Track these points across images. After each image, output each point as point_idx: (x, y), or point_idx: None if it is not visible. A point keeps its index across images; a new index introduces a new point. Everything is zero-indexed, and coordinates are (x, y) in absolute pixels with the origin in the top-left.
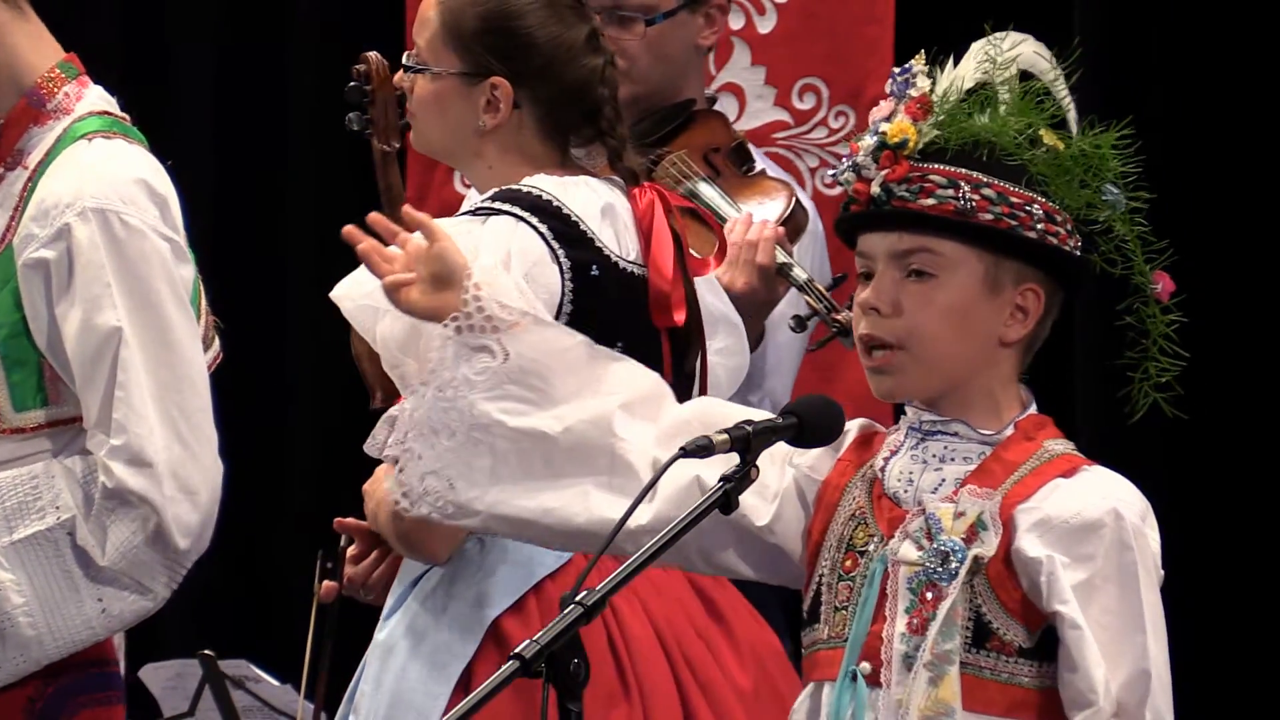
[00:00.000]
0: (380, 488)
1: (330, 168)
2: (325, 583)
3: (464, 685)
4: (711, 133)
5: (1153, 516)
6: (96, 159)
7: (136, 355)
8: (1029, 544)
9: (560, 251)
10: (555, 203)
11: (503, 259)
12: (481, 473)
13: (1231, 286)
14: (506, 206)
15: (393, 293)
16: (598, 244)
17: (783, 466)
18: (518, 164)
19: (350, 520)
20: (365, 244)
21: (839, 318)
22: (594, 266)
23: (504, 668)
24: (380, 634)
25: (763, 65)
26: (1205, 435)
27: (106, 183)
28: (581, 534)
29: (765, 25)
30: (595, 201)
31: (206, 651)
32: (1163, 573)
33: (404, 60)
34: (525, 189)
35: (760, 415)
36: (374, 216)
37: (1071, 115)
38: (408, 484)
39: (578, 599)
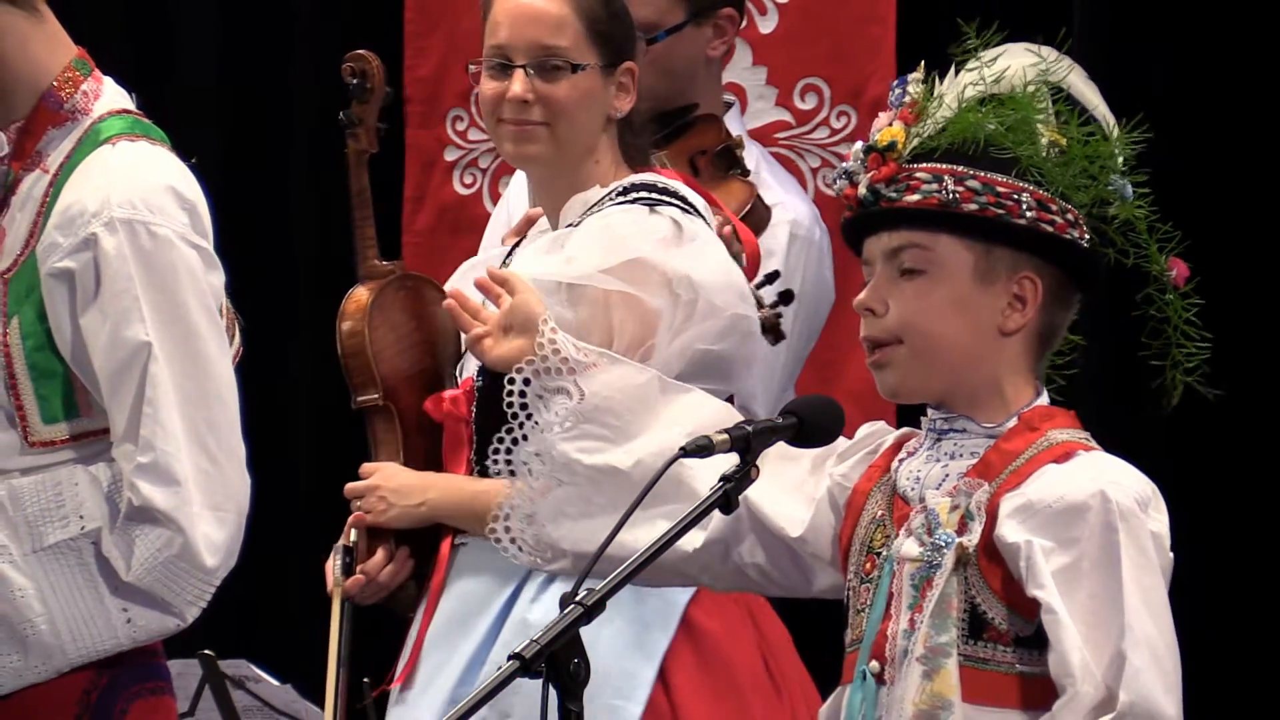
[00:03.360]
0: (411, 481)
1: (334, 168)
2: (350, 578)
3: (663, 670)
4: (702, 137)
5: (1159, 500)
6: (122, 164)
7: (164, 370)
8: (1009, 530)
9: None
10: (689, 199)
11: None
12: (565, 512)
13: (1240, 272)
14: (667, 199)
15: (475, 346)
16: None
17: (822, 477)
18: (614, 160)
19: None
20: (450, 301)
21: (760, 315)
22: None
23: (504, 668)
24: (532, 615)
25: (764, 65)
26: (1212, 425)
27: (134, 190)
28: (653, 566)
29: (767, 25)
30: (701, 202)
31: (206, 651)
32: (1171, 556)
33: (540, 67)
34: (660, 184)
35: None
36: (481, 282)
37: (1103, 114)
38: (513, 532)
39: (578, 599)
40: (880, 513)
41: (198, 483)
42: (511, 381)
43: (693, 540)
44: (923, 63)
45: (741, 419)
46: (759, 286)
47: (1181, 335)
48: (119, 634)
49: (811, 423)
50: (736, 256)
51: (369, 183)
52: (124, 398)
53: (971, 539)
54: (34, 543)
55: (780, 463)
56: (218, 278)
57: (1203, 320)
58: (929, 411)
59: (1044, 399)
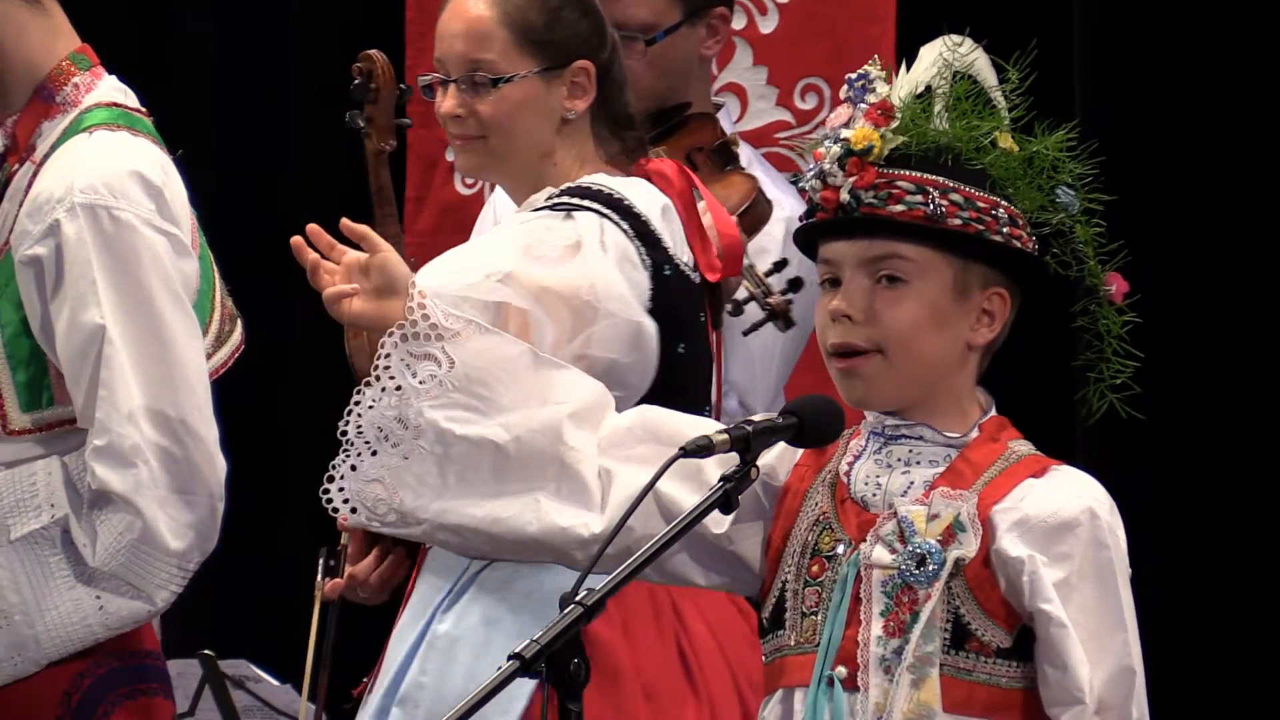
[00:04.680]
0: None
1: (331, 166)
2: (331, 580)
3: None
4: (698, 134)
5: (1118, 514)
6: (92, 152)
7: (122, 353)
8: (1010, 544)
9: (642, 250)
10: (627, 201)
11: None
12: (426, 481)
13: (1205, 285)
14: (587, 203)
15: (334, 305)
16: (665, 244)
17: None
18: (578, 159)
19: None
20: (312, 257)
21: (771, 301)
22: (665, 266)
23: (504, 668)
24: (441, 625)
25: (764, 66)
26: (1201, 436)
27: (97, 176)
28: (534, 543)
29: (767, 25)
30: (656, 202)
31: (206, 651)
32: (1130, 570)
33: (468, 81)
34: (596, 186)
35: (696, 420)
36: (313, 228)
37: (1006, 124)
38: (349, 491)
39: (578, 599)
40: (823, 514)
41: (162, 465)
42: (382, 345)
43: (590, 525)
44: (876, 56)
45: (612, 402)
46: (768, 274)
47: (1111, 351)
48: (92, 622)
49: (811, 423)
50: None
51: (390, 180)
52: (83, 382)
53: (967, 551)
54: (6, 534)
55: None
56: (189, 264)
57: (1141, 337)
58: (868, 414)
59: (993, 409)
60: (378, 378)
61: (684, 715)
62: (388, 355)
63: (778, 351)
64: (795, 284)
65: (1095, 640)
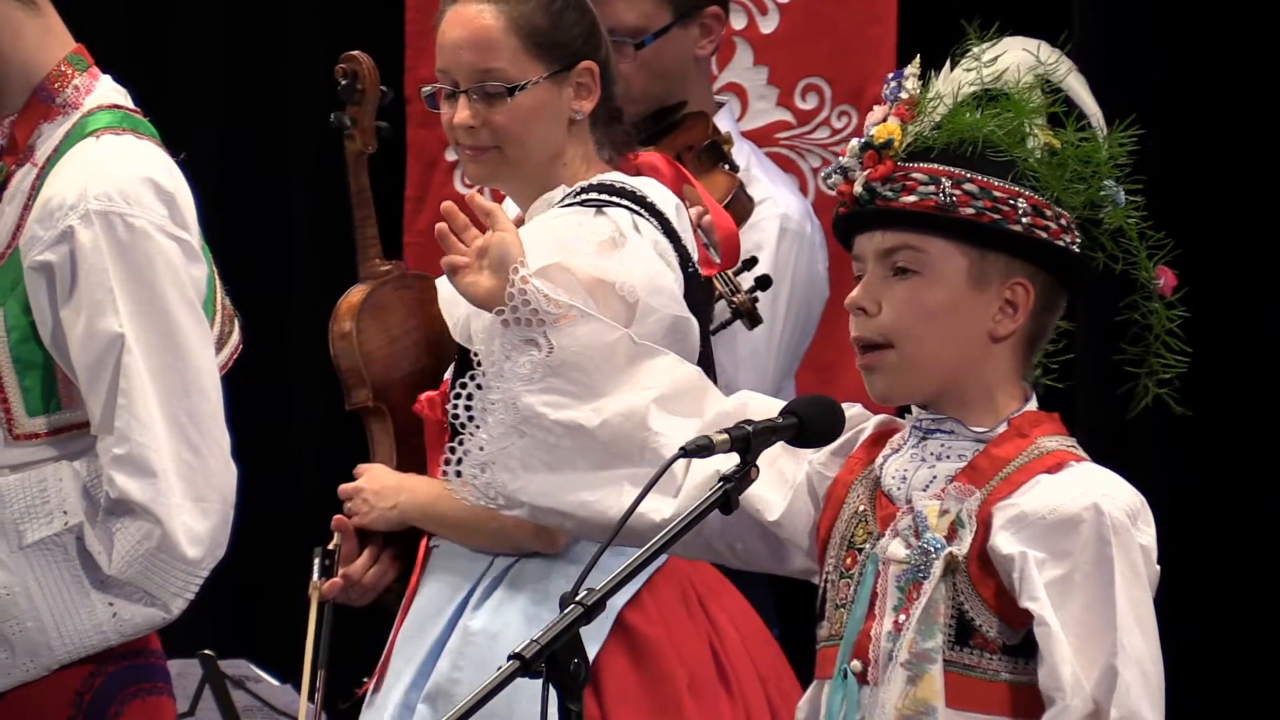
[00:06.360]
0: (390, 484)
1: (331, 166)
2: (328, 580)
3: (595, 676)
4: (690, 133)
5: (1148, 513)
6: (103, 157)
7: (140, 361)
8: (1002, 541)
9: (671, 245)
10: (650, 198)
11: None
12: (526, 464)
13: (1231, 281)
14: (615, 199)
15: (452, 273)
16: (683, 241)
17: (800, 461)
18: (583, 159)
19: (345, 518)
20: (442, 225)
21: (736, 300)
22: (689, 264)
23: (504, 668)
24: (474, 622)
25: (765, 65)
26: (1206, 432)
27: (111, 182)
28: (624, 533)
29: (768, 25)
30: (670, 201)
31: (206, 651)
32: (1158, 569)
33: (480, 91)
34: (619, 184)
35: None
36: (448, 207)
37: (1097, 117)
38: (465, 474)
39: (578, 599)
40: (862, 507)
41: (179, 473)
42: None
43: (661, 511)
44: (918, 57)
45: (712, 386)
46: (737, 273)
47: (1161, 345)
48: (105, 629)
49: (811, 423)
50: (714, 246)
51: (369, 183)
52: (100, 390)
53: (962, 547)
54: (19, 540)
55: None
56: (200, 269)
57: (1185, 333)
58: (914, 409)
59: (1033, 404)
60: (479, 363)
61: (719, 710)
62: (491, 339)
63: (769, 352)
64: (763, 282)
65: (1091, 639)
